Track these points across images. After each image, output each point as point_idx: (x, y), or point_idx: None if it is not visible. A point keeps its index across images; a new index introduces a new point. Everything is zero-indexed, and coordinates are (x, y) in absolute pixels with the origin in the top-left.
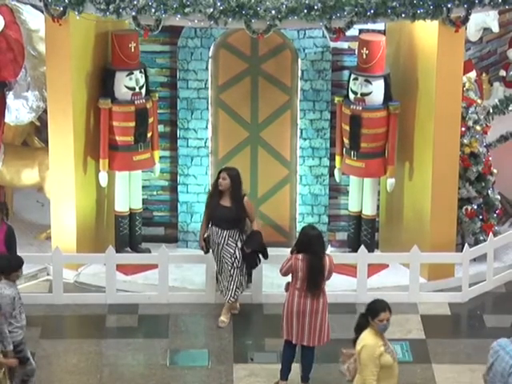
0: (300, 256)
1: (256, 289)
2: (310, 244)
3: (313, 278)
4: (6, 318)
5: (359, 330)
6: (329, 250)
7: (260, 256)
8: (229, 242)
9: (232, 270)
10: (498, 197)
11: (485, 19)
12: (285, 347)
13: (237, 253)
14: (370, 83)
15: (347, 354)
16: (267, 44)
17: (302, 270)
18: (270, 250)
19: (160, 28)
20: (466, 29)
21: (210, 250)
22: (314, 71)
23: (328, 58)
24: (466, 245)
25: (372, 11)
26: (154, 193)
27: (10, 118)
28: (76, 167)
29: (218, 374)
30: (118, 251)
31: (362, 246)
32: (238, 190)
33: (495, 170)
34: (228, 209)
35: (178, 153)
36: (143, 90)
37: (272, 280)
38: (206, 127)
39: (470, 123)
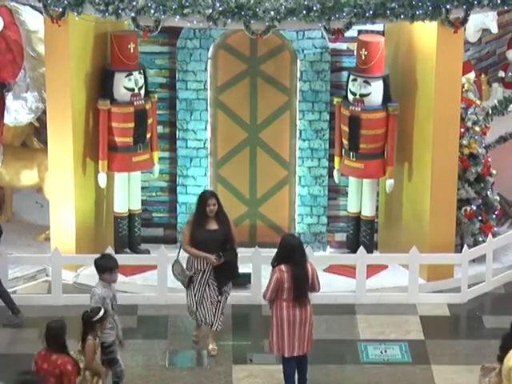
0: (283, 267)
1: (255, 290)
2: (293, 253)
3: (299, 287)
4: None
5: (506, 348)
6: (328, 250)
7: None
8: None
9: (220, 297)
10: (497, 198)
11: (484, 20)
12: (286, 362)
13: None
14: (369, 84)
15: (489, 368)
16: (266, 45)
17: (287, 280)
18: (269, 251)
19: (159, 29)
20: (464, 30)
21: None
22: (312, 72)
23: (327, 58)
24: (465, 246)
25: (371, 12)
26: (153, 194)
27: (9, 119)
28: (75, 168)
29: (217, 375)
30: (117, 252)
31: (361, 247)
32: (223, 211)
33: (494, 171)
34: (216, 232)
35: (177, 154)
36: (142, 91)
37: None
38: (205, 128)
39: (469, 124)
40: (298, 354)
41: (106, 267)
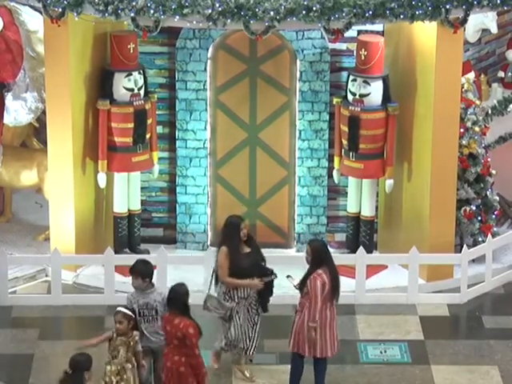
0: (320, 270)
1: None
2: (326, 254)
3: (337, 285)
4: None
5: None
6: None
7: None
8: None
9: (256, 318)
10: (497, 198)
11: (483, 20)
12: (297, 361)
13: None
14: (369, 84)
15: None
16: (266, 45)
17: (329, 282)
18: (269, 251)
19: (159, 29)
20: (464, 30)
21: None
22: (312, 72)
23: (326, 59)
24: (465, 246)
25: (370, 12)
26: (153, 194)
27: (8, 119)
28: (75, 168)
29: (217, 376)
30: (116, 252)
31: (361, 247)
32: (251, 233)
33: (494, 171)
34: (252, 253)
35: (176, 154)
36: (142, 91)
37: None
38: (205, 128)
39: (469, 124)
40: (332, 355)
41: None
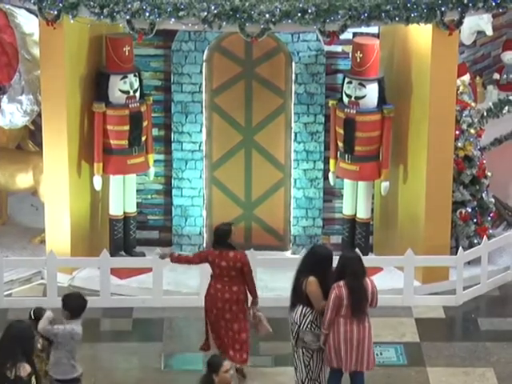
0: (341, 283)
1: None
2: (347, 266)
3: (357, 302)
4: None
5: None
6: None
7: None
8: None
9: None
10: (492, 200)
11: (478, 22)
12: (332, 376)
13: None
14: (364, 86)
15: None
16: (261, 47)
17: (346, 297)
18: (264, 254)
19: (154, 32)
20: (459, 32)
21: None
22: (307, 75)
23: (322, 61)
24: (461, 248)
25: (366, 15)
26: (149, 196)
27: (4, 122)
28: (70, 171)
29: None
30: (112, 255)
31: (357, 250)
32: None
33: (489, 173)
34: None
35: (172, 156)
36: (137, 94)
37: (265, 283)
38: (201, 131)
39: (464, 126)
40: (356, 370)
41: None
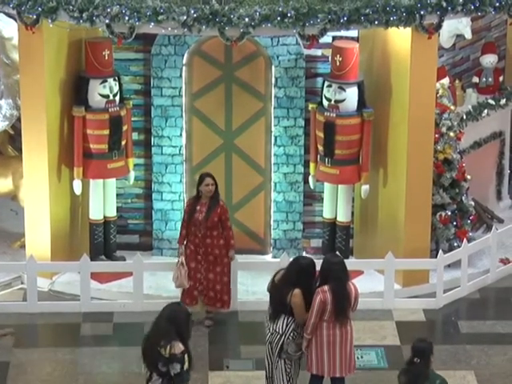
0: (325, 287)
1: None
2: (331, 271)
3: (341, 306)
4: None
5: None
6: None
7: None
8: None
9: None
10: (472, 203)
11: (457, 26)
12: (313, 381)
13: None
14: (344, 90)
15: None
16: (241, 51)
17: (331, 302)
18: (245, 257)
19: (134, 36)
20: (438, 35)
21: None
22: (287, 78)
23: (302, 65)
24: (441, 251)
25: (345, 18)
26: (129, 200)
27: None
28: (50, 175)
29: (193, 382)
30: (92, 259)
31: (337, 253)
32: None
33: (469, 176)
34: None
35: (152, 160)
36: (117, 98)
37: (247, 287)
38: (181, 135)
39: (444, 129)
40: (340, 376)
41: None
